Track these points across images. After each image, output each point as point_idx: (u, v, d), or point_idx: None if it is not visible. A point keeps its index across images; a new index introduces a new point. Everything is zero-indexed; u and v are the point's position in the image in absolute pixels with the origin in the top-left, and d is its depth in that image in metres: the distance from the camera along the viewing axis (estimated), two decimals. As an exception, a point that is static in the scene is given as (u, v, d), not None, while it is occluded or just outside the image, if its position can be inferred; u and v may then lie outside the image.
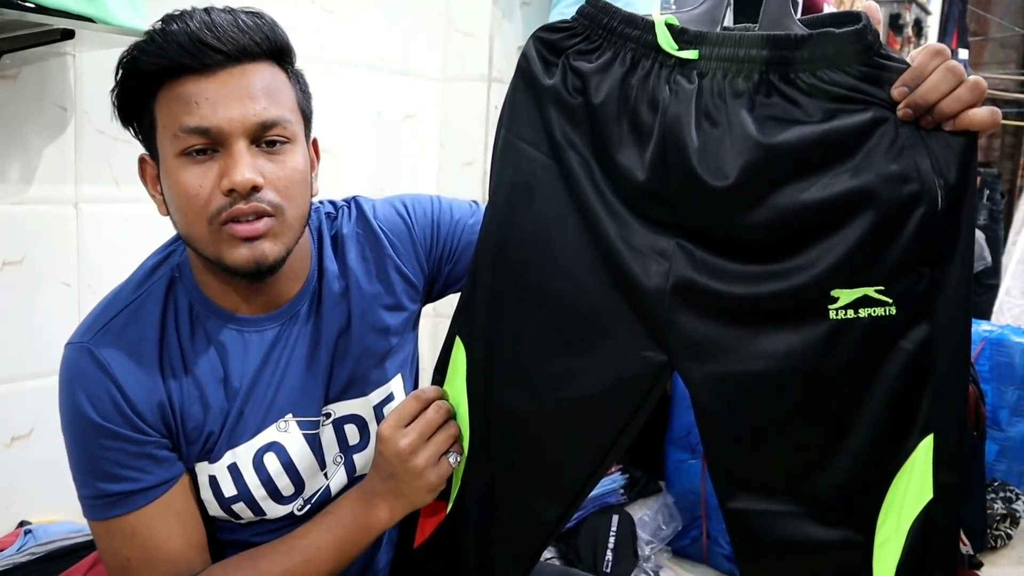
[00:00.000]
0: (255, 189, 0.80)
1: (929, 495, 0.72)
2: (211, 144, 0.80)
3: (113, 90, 0.84)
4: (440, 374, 0.89)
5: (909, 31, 3.89)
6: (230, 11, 0.82)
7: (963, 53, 4.51)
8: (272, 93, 0.82)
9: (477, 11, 2.08)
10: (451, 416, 0.86)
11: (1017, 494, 2.56)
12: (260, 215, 0.81)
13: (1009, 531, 2.46)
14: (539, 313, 0.80)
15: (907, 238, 0.69)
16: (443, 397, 0.87)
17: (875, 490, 0.73)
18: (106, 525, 0.85)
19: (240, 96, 0.80)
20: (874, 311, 0.70)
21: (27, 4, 1.11)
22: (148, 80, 0.81)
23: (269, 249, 0.82)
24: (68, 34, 1.22)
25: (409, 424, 0.84)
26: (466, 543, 0.88)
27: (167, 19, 0.81)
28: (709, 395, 0.75)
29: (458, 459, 0.86)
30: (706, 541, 2.20)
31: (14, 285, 1.38)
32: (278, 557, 0.86)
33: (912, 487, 0.72)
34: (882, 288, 0.70)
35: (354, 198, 1.01)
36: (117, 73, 0.83)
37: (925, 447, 0.72)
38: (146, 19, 1.25)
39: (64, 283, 1.45)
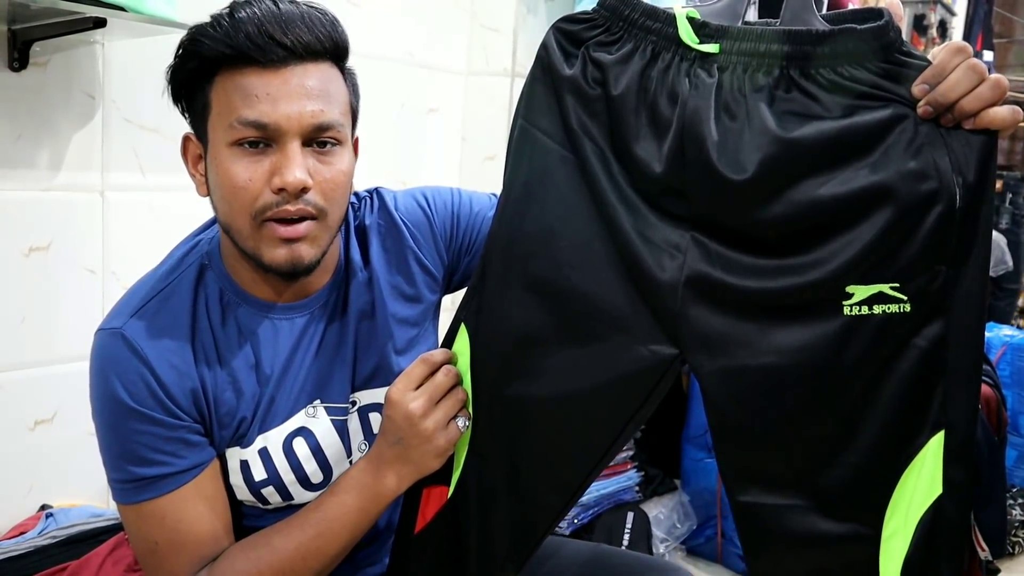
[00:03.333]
0: (304, 190, 0.81)
1: (939, 490, 0.72)
2: (265, 138, 0.81)
3: (170, 67, 0.84)
4: None
5: (934, 32, 3.85)
6: (296, 5, 0.83)
7: (988, 55, 4.46)
8: (329, 94, 0.83)
9: (502, 6, 2.08)
10: (459, 381, 0.86)
11: (1035, 500, 2.54)
12: (303, 217, 0.82)
13: (1026, 538, 2.44)
14: (547, 304, 0.80)
15: (924, 236, 0.68)
16: (451, 361, 0.86)
17: (884, 485, 0.73)
18: (136, 509, 0.86)
19: (300, 96, 0.80)
20: (888, 308, 0.70)
21: (61, -8, 1.12)
22: (208, 64, 0.81)
23: (306, 252, 0.83)
24: (100, 23, 1.23)
25: (418, 388, 0.84)
26: (467, 528, 0.88)
27: (234, 5, 0.81)
28: (720, 388, 0.75)
29: (467, 423, 0.86)
30: (720, 540, 2.19)
31: (40, 270, 1.39)
32: (291, 532, 0.87)
33: (922, 482, 0.72)
34: (897, 285, 0.70)
35: (376, 189, 1.02)
36: (178, 52, 0.83)
37: (936, 443, 0.72)
38: (179, 9, 1.26)
39: (89, 270, 1.46)
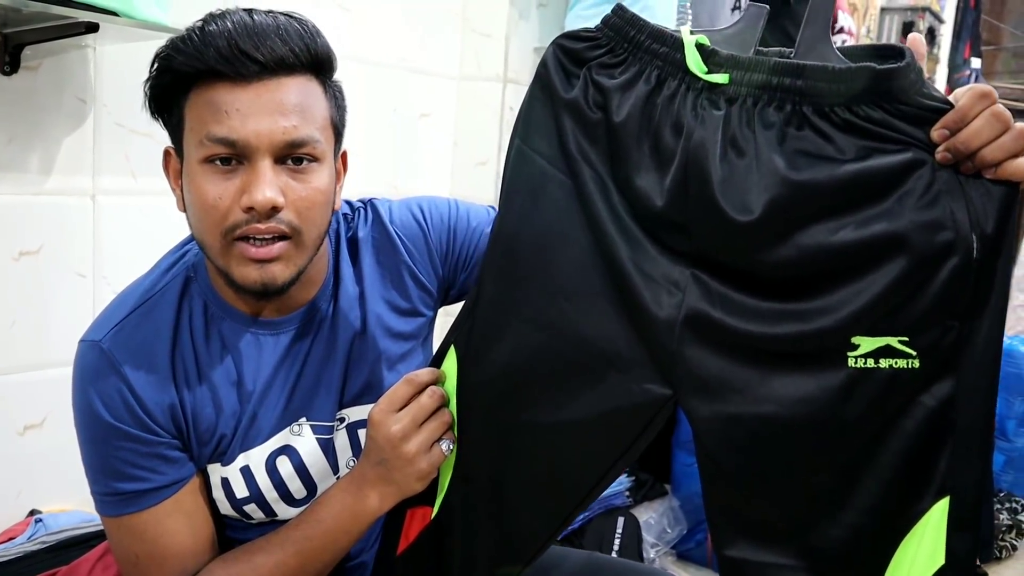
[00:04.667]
0: (275, 209, 0.78)
1: (941, 561, 0.68)
2: (236, 155, 0.79)
3: (146, 81, 0.83)
4: None
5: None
6: (273, 16, 0.80)
7: (976, 62, 4.50)
8: (305, 110, 0.80)
9: (494, 11, 2.08)
10: (445, 403, 0.84)
11: (1023, 505, 2.56)
12: (276, 236, 0.80)
13: (1015, 542, 2.46)
14: (540, 332, 0.77)
15: (937, 289, 0.65)
16: (438, 382, 0.84)
17: (882, 550, 0.70)
18: (117, 522, 0.86)
19: (271, 111, 0.78)
20: (896, 362, 0.66)
21: (53, -4, 1.12)
22: (181, 79, 0.79)
23: (280, 272, 0.81)
24: (92, 27, 1.23)
25: (401, 409, 0.82)
26: (450, 551, 0.87)
27: (208, 18, 0.79)
28: (714, 435, 0.72)
29: (451, 447, 0.84)
30: (711, 545, 2.20)
31: (30, 275, 1.39)
32: (271, 550, 0.86)
33: (923, 550, 0.68)
34: (906, 339, 0.66)
35: (370, 200, 1.00)
36: (152, 65, 0.82)
37: (940, 509, 0.68)
38: (171, 14, 1.26)
39: (79, 274, 1.45)
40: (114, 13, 1.18)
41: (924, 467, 0.68)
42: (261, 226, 0.79)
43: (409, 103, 2.04)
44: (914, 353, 0.66)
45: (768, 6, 0.72)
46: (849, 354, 0.67)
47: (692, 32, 0.70)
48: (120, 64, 1.44)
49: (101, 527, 1.33)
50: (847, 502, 0.70)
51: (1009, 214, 0.65)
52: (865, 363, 0.67)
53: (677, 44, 0.70)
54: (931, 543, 0.68)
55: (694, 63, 0.69)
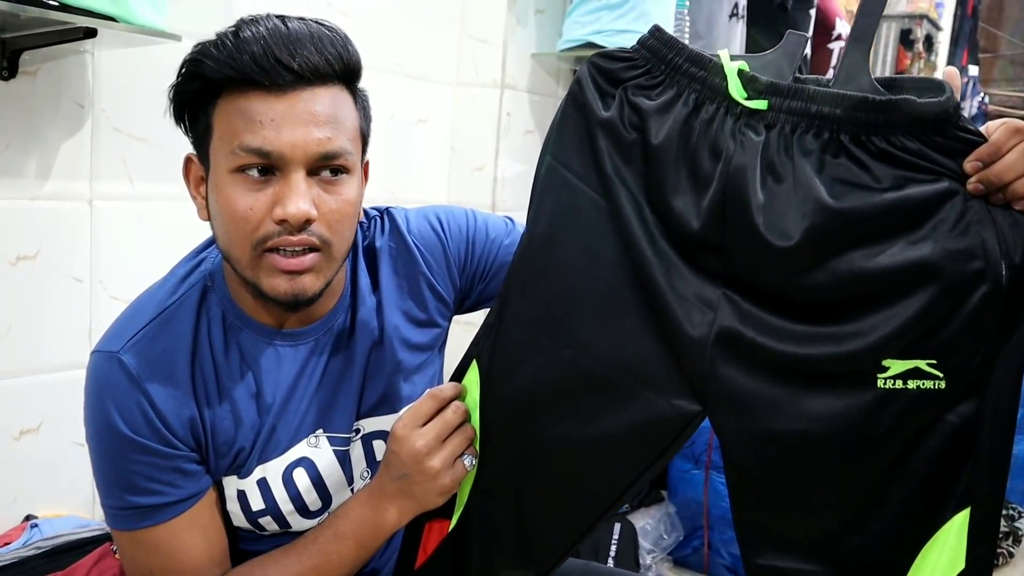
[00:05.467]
0: (308, 222, 0.77)
1: (961, 566, 0.71)
2: (269, 166, 0.77)
3: (172, 87, 0.81)
4: None
5: (920, 47, 3.89)
6: (306, 23, 0.78)
7: (973, 70, 4.52)
8: (338, 121, 0.79)
9: (491, 17, 2.09)
10: (468, 418, 0.84)
11: (1019, 512, 2.56)
12: (307, 248, 0.79)
13: (1011, 549, 2.46)
14: (566, 350, 0.77)
15: (966, 315, 0.67)
16: (461, 396, 0.84)
17: (905, 557, 0.72)
18: (131, 536, 0.84)
19: (306, 122, 0.76)
20: (923, 383, 0.68)
21: (51, 2, 1.12)
22: (211, 85, 0.77)
23: (310, 284, 0.80)
24: (90, 33, 1.23)
25: (426, 424, 0.82)
26: (468, 565, 0.87)
27: (240, 24, 0.77)
28: (744, 450, 0.74)
29: (473, 463, 0.84)
30: (707, 551, 2.20)
31: (27, 279, 1.39)
32: (287, 563, 0.85)
33: (944, 558, 0.71)
34: (935, 362, 0.68)
35: (387, 209, 0.98)
36: (181, 70, 0.79)
37: (961, 519, 0.70)
38: (168, 19, 1.26)
39: (76, 279, 1.45)
40: (112, 18, 1.18)
41: (947, 480, 0.70)
42: (293, 238, 0.78)
43: (406, 108, 2.05)
44: (941, 375, 0.68)
45: (762, 15, 0.73)
46: (879, 376, 0.69)
47: (732, 58, 0.71)
48: (118, 69, 1.44)
49: (97, 532, 1.33)
50: (872, 513, 0.72)
51: None
52: (894, 384, 0.69)
53: (715, 68, 0.71)
54: (952, 550, 0.71)
55: (736, 89, 0.70)
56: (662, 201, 0.73)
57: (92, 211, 1.46)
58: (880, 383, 0.69)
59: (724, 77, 0.70)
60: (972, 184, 0.67)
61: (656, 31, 0.74)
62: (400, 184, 2.06)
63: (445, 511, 0.87)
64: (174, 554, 0.84)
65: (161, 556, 0.84)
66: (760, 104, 0.69)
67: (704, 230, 0.71)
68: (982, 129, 0.68)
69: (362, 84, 0.87)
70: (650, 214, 0.74)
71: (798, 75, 0.73)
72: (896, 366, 0.68)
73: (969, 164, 0.66)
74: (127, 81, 1.45)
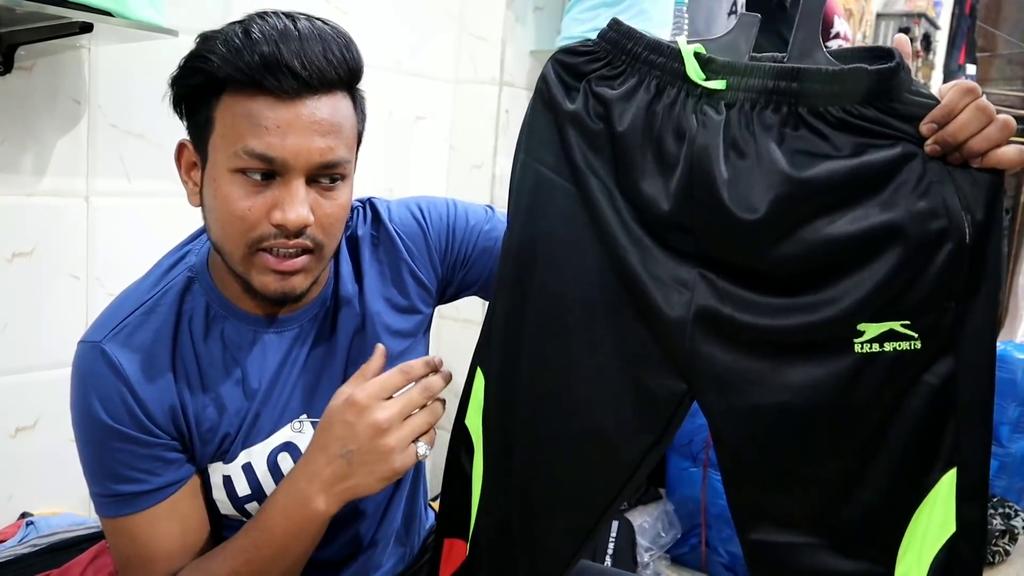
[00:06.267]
0: (304, 227, 0.79)
1: (952, 528, 0.71)
2: (270, 171, 0.78)
3: (173, 76, 0.81)
4: (463, 408, 0.87)
5: (918, 46, 3.89)
6: (312, 24, 0.78)
7: (971, 69, 4.51)
8: (339, 130, 0.80)
9: (490, 15, 2.08)
10: (435, 399, 0.81)
11: (1016, 510, 2.56)
12: (300, 251, 0.81)
13: (1008, 547, 2.47)
14: (557, 341, 0.79)
15: (934, 273, 0.68)
16: (434, 370, 0.82)
17: (897, 522, 0.73)
18: (113, 523, 0.86)
19: (310, 131, 0.78)
20: (899, 345, 0.70)
21: (47, -3, 1.11)
22: (216, 81, 0.77)
23: (299, 283, 0.82)
24: (86, 28, 1.22)
25: (390, 399, 0.79)
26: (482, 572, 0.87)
27: (251, 21, 0.77)
28: (732, 428, 0.75)
29: (427, 451, 0.80)
30: (705, 549, 2.20)
31: (23, 277, 1.38)
32: (224, 557, 0.85)
33: (935, 520, 0.72)
34: (908, 322, 0.69)
35: (369, 199, 1.00)
36: (185, 63, 0.79)
37: (948, 480, 0.71)
38: (165, 15, 1.25)
39: (73, 276, 1.45)
40: (108, 13, 1.18)
41: (931, 442, 0.72)
42: (288, 241, 0.80)
43: (405, 106, 2.04)
44: (916, 335, 0.70)
45: (760, 14, 0.75)
46: (855, 340, 0.70)
47: (689, 42, 0.73)
48: (115, 65, 1.43)
49: (93, 530, 1.33)
50: (861, 480, 0.73)
51: (996, 199, 0.69)
52: (871, 348, 0.70)
53: (674, 54, 0.73)
54: (942, 513, 0.72)
55: (693, 71, 0.72)
56: (632, 187, 0.74)
57: (89, 208, 1.45)
58: (857, 348, 0.70)
59: (682, 61, 0.72)
60: (929, 145, 0.68)
61: (615, 23, 0.76)
62: (399, 181, 2.05)
63: (461, 531, 0.87)
64: (148, 542, 0.85)
65: (136, 544, 0.85)
66: (719, 84, 0.71)
67: (674, 211, 0.73)
68: (935, 92, 0.69)
69: (361, 81, 0.87)
70: (622, 200, 0.75)
71: (754, 54, 0.75)
72: (871, 329, 0.70)
73: (925, 126, 0.68)
74: (124, 77, 1.45)
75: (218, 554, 0.86)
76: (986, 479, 0.72)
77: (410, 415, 0.80)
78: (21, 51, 1.31)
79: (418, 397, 0.81)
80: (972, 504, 0.71)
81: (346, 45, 0.81)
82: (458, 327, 2.14)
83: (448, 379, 0.84)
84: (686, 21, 1.99)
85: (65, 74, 1.39)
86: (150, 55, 1.37)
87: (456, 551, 0.88)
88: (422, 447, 0.80)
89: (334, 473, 0.79)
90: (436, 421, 0.82)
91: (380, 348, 0.84)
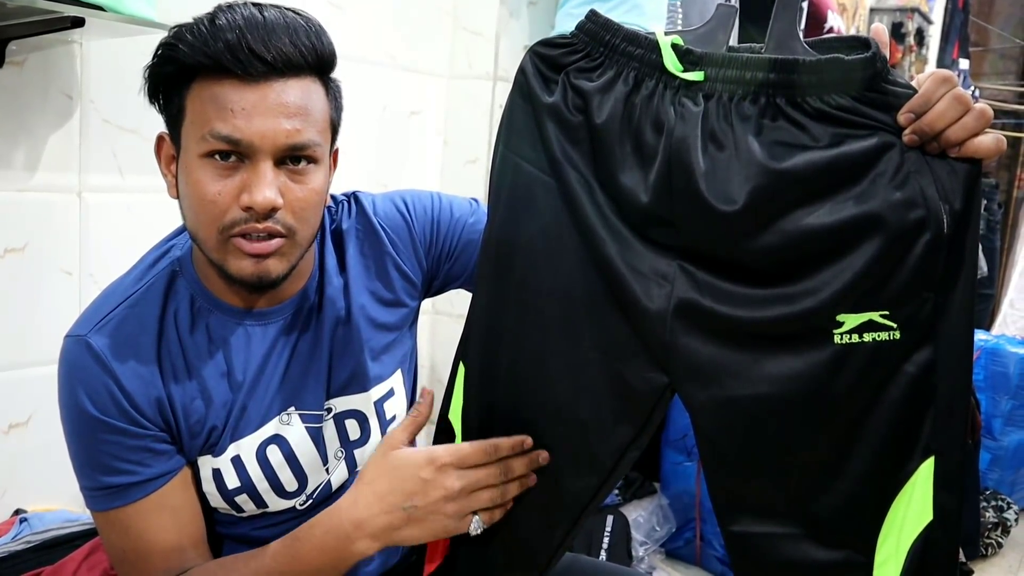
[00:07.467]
0: (273, 210, 0.80)
1: (929, 517, 0.72)
2: (237, 153, 0.79)
3: (147, 67, 0.82)
4: (447, 401, 0.87)
5: (911, 40, 3.90)
6: (282, 12, 0.80)
7: (964, 63, 4.52)
8: (308, 112, 0.81)
9: (484, 10, 2.08)
10: (505, 480, 0.80)
11: (1008, 503, 2.58)
12: (272, 235, 0.81)
13: (1000, 539, 2.48)
14: (537, 334, 0.79)
15: (913, 263, 0.68)
16: (521, 451, 0.80)
17: (876, 511, 0.73)
18: (105, 516, 0.86)
19: (277, 113, 0.78)
20: (878, 335, 0.70)
21: (38, -9, 1.11)
22: (185, 70, 0.79)
23: (274, 267, 0.82)
24: (78, 22, 1.21)
25: (470, 468, 0.79)
26: (462, 560, 0.87)
27: (217, 11, 0.78)
28: (712, 419, 0.75)
29: (480, 528, 0.80)
30: (699, 543, 2.20)
31: (15, 272, 1.38)
32: (246, 574, 0.83)
33: (912, 508, 0.72)
34: (887, 313, 0.69)
35: (353, 193, 1.00)
36: (156, 52, 0.81)
37: (926, 469, 0.72)
38: (157, 9, 1.25)
39: (66, 272, 1.44)
40: (100, 8, 1.17)
41: (910, 431, 0.72)
42: (259, 225, 0.80)
43: (399, 101, 2.04)
44: (895, 325, 0.70)
45: (755, 7, 0.74)
46: (835, 331, 0.70)
47: (666, 33, 0.73)
48: (107, 60, 1.43)
49: (87, 527, 1.33)
50: (841, 470, 0.73)
51: (974, 189, 0.69)
52: (850, 339, 0.70)
53: (652, 45, 0.73)
54: (920, 501, 0.72)
55: (671, 62, 0.72)
56: (611, 179, 0.74)
57: (81, 203, 1.44)
58: (836, 339, 0.70)
59: (660, 52, 0.72)
60: (907, 135, 0.68)
61: (592, 15, 0.76)
62: (393, 176, 2.05)
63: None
64: (143, 535, 0.85)
65: (131, 537, 0.85)
66: (697, 75, 0.71)
67: (654, 204, 0.72)
68: (912, 82, 0.69)
69: (355, 76, 0.87)
70: (601, 193, 0.75)
71: (731, 45, 0.75)
72: (850, 320, 0.70)
73: (902, 116, 0.68)
74: (116, 72, 1.44)
75: (239, 568, 0.84)
76: (962, 467, 0.72)
77: (476, 491, 0.79)
78: (12, 46, 1.30)
79: (494, 477, 0.80)
80: (948, 492, 0.72)
81: (316, 33, 0.81)
82: (453, 322, 2.14)
83: (535, 463, 0.82)
84: (679, 16, 1.99)
85: (57, 69, 1.38)
86: (143, 50, 1.34)
87: (440, 546, 0.88)
88: (476, 523, 0.80)
89: (389, 523, 0.79)
90: (502, 503, 0.81)
91: (492, 441, 0.80)
